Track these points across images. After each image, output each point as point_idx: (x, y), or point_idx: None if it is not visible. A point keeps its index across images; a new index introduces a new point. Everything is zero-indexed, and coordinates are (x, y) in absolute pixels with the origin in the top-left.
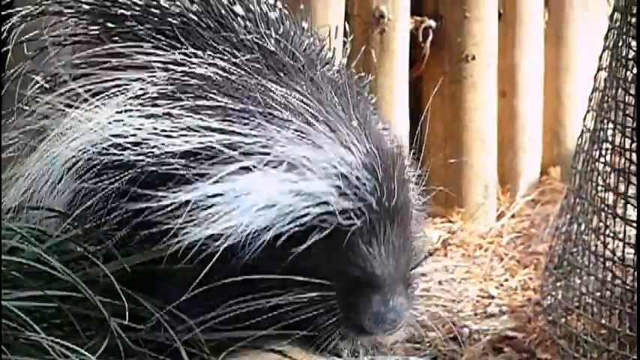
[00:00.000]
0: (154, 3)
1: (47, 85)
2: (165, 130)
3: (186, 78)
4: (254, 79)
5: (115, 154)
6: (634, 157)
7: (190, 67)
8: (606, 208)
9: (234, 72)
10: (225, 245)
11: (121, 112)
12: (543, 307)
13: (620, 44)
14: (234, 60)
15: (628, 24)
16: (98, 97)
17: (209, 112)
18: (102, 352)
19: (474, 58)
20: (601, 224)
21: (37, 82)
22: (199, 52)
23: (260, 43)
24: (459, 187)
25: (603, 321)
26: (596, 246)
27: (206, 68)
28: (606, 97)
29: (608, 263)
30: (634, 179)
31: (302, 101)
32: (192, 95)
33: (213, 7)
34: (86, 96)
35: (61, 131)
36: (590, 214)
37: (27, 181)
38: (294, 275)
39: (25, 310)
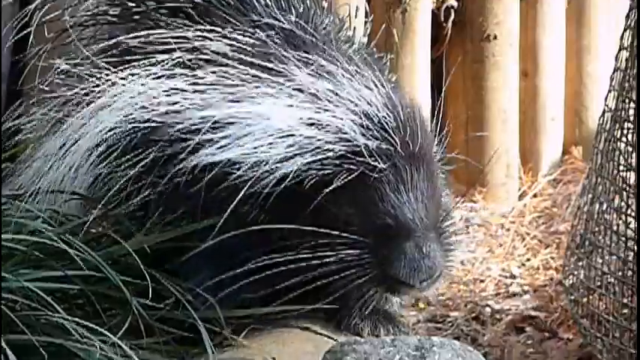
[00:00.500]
0: None
1: (69, 68)
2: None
3: (206, 52)
4: (272, 49)
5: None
6: None
7: (210, 43)
8: (628, 188)
9: (252, 44)
10: (245, 175)
11: (143, 87)
12: (565, 286)
13: None
14: (254, 37)
15: None
16: (122, 77)
17: (230, 70)
18: (123, 331)
19: (495, 37)
20: (623, 203)
21: (59, 65)
22: (219, 30)
23: (280, 21)
24: (481, 167)
25: (625, 300)
26: (618, 225)
27: (226, 44)
28: (628, 77)
29: (630, 242)
30: None
31: (318, 61)
32: (213, 65)
33: None
34: (110, 77)
35: (86, 112)
36: (611, 194)
37: (48, 163)
38: (320, 230)
39: (47, 291)
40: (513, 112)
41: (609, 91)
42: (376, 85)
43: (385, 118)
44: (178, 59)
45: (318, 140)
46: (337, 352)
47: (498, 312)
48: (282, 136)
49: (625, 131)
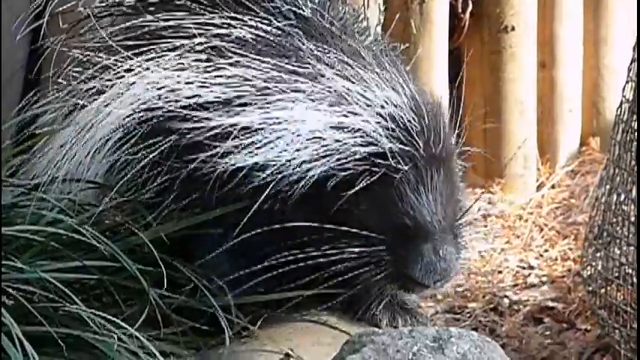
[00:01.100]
0: None
1: (84, 56)
2: (208, 82)
3: (226, 40)
4: (291, 41)
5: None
6: None
7: (230, 30)
8: None
9: (272, 33)
10: (271, 177)
11: (162, 73)
12: (583, 277)
13: None
14: (272, 25)
15: None
16: (140, 64)
17: (253, 64)
18: (141, 321)
19: (513, 28)
20: None
21: (74, 55)
22: (239, 16)
23: (297, 10)
24: (498, 158)
25: None
26: (636, 216)
27: (246, 31)
28: None
29: None
30: None
31: (344, 60)
32: (235, 53)
33: None
34: (128, 64)
35: (102, 99)
36: (629, 185)
37: (64, 152)
38: (338, 227)
39: (64, 282)
40: (531, 104)
41: (627, 82)
42: (402, 87)
43: (410, 121)
44: (200, 47)
45: (345, 143)
46: (355, 342)
47: (516, 303)
48: (311, 140)
49: None
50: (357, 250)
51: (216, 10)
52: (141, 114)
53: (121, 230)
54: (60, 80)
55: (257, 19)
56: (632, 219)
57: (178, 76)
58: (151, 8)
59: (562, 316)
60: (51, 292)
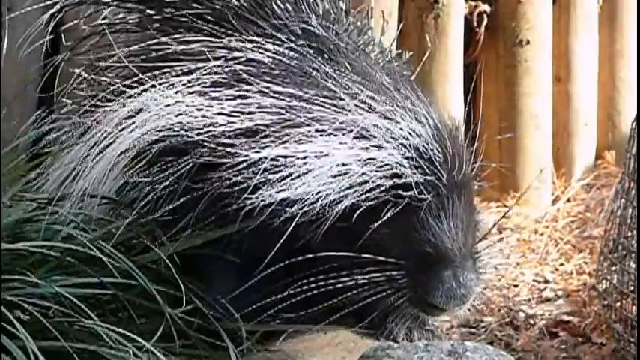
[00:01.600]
0: None
1: (92, 76)
2: (232, 111)
3: (239, 63)
4: (307, 63)
5: (180, 137)
6: None
7: (245, 54)
8: None
9: (287, 56)
10: (299, 211)
11: (181, 96)
12: (598, 291)
13: None
14: (282, 44)
15: None
16: (152, 85)
17: (273, 93)
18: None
19: (528, 42)
20: None
21: (80, 73)
22: (254, 38)
23: (305, 27)
24: (513, 172)
25: None
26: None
27: (262, 54)
28: None
29: None
30: None
31: (358, 81)
32: (254, 79)
33: None
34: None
35: (117, 120)
36: None
37: (78, 168)
38: (360, 254)
39: (80, 297)
40: (546, 117)
41: None
42: (426, 118)
43: (434, 151)
44: (217, 70)
45: (371, 177)
46: (371, 356)
47: (532, 317)
48: (338, 175)
49: None
50: (378, 275)
51: (222, 27)
52: (158, 136)
53: (134, 245)
54: (73, 97)
55: (268, 39)
56: None
57: (195, 104)
58: (156, 25)
59: (577, 330)
60: (66, 307)
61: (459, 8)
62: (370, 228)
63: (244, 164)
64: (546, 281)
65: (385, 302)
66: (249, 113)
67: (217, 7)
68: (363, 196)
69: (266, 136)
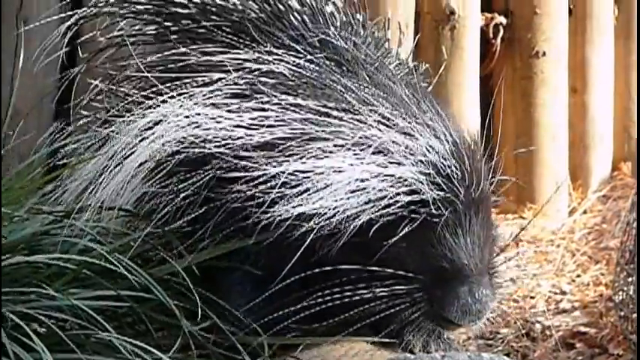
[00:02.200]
0: (210, 1)
1: (109, 87)
2: (251, 124)
3: (258, 75)
4: (326, 75)
5: (198, 149)
6: None
7: (261, 65)
8: None
9: (306, 68)
10: (316, 226)
11: (199, 108)
12: (615, 302)
13: None
14: (301, 56)
15: None
16: (171, 96)
17: (291, 106)
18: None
19: (544, 54)
20: None
21: (97, 85)
22: (274, 50)
23: (323, 37)
24: (530, 184)
25: None
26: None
27: (283, 66)
28: None
29: None
30: None
31: (378, 94)
32: (271, 91)
33: (270, 3)
34: (159, 97)
35: (136, 131)
36: None
37: (95, 180)
38: (377, 268)
39: (96, 310)
40: (562, 129)
41: None
42: (444, 134)
43: (452, 168)
44: (234, 81)
45: (389, 192)
46: None
47: (549, 328)
48: (356, 190)
49: None
50: (394, 289)
51: (241, 39)
52: (176, 148)
53: (152, 257)
54: (90, 109)
55: (287, 51)
56: None
57: (214, 116)
58: (174, 36)
59: (594, 341)
60: (83, 319)
61: (475, 20)
62: (387, 243)
63: (262, 178)
64: (563, 293)
65: (401, 316)
66: (268, 126)
67: (235, 19)
68: (381, 212)
69: (284, 150)
